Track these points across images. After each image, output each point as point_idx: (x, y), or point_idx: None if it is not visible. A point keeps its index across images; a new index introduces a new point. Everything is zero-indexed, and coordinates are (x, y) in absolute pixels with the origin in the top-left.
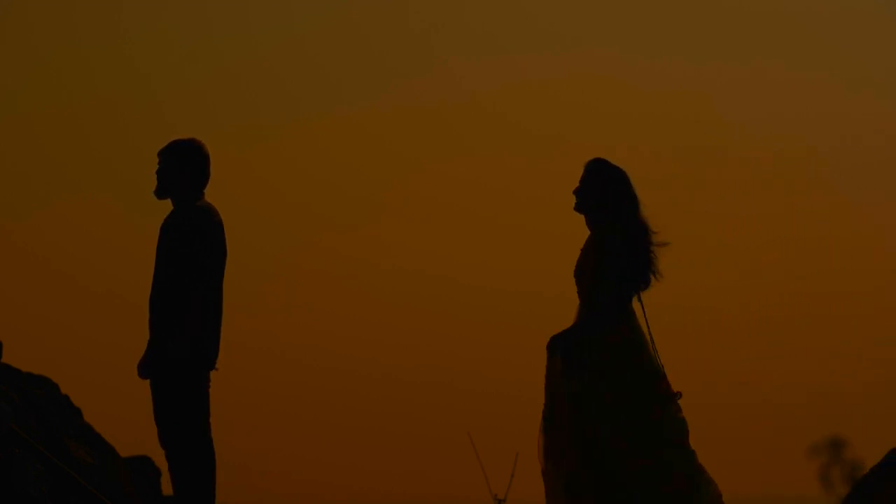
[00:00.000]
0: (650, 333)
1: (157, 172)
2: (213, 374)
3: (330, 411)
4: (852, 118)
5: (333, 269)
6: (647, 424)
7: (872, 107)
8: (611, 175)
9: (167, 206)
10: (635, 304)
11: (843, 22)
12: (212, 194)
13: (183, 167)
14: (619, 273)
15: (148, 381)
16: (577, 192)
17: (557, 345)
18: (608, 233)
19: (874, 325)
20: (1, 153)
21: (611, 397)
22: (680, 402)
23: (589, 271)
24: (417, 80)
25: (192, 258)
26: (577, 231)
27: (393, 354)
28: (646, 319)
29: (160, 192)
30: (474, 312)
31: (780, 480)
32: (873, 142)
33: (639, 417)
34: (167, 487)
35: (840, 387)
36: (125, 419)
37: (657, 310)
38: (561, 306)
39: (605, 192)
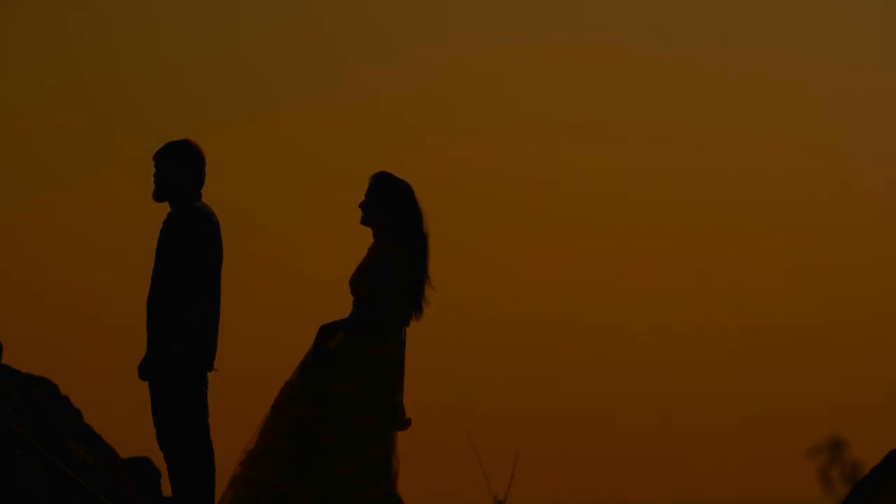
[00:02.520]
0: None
1: (156, 175)
2: (211, 374)
3: None
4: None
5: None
6: (382, 454)
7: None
8: (394, 189)
9: (166, 206)
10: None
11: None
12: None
13: (185, 168)
14: (392, 293)
15: (147, 382)
16: (362, 205)
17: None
18: (386, 252)
19: (874, 326)
20: (1, 151)
21: (364, 417)
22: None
23: (363, 283)
24: (332, 87)
25: (192, 259)
26: (546, 226)
27: None
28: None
29: (159, 196)
30: (474, 313)
31: (780, 481)
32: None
33: (377, 444)
34: (167, 488)
35: (840, 387)
36: (125, 420)
37: (662, 309)
38: (556, 303)
39: (389, 207)
